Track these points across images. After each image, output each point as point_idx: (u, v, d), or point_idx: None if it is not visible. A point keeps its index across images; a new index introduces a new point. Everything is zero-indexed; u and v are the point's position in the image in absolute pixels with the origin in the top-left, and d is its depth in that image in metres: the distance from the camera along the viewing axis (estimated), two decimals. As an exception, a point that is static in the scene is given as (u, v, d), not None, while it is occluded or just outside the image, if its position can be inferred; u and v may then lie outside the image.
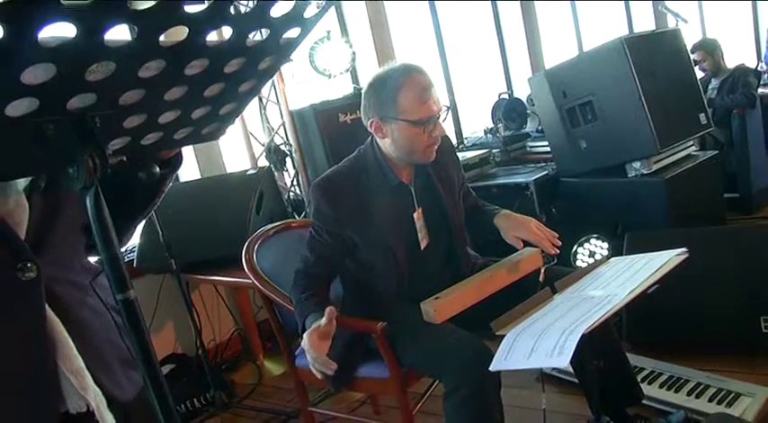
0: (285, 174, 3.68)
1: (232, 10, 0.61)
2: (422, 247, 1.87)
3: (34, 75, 0.53)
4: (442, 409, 1.60)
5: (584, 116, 3.25)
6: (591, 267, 1.73)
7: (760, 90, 4.51)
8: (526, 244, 1.83)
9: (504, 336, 1.38)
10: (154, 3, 0.53)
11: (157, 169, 0.82)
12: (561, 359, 1.22)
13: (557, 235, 1.82)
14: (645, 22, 6.67)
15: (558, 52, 5.42)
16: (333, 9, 4.02)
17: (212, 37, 0.63)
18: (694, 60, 4.05)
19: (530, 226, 1.81)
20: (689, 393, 2.08)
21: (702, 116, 3.33)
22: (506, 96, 4.74)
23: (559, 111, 3.33)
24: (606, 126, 3.15)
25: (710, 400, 2.02)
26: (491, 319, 1.47)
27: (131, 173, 0.84)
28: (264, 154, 3.62)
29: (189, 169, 3.32)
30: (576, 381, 2.10)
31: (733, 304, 2.34)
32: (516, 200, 3.40)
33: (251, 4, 0.96)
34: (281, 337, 2.05)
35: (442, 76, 4.80)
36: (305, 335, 1.59)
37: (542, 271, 1.80)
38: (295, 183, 3.69)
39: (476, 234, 2.28)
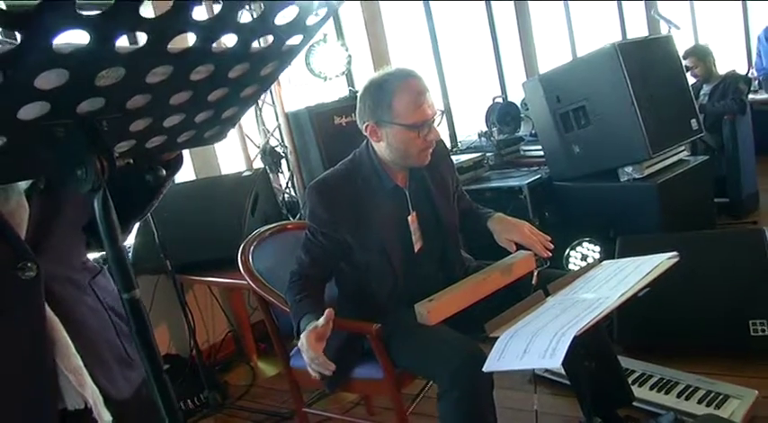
0: (280, 175, 3.70)
1: (239, 17, 0.62)
2: (416, 250, 1.88)
3: (47, 79, 0.55)
4: (435, 410, 1.60)
5: (577, 121, 3.27)
6: (583, 270, 1.75)
7: (750, 96, 4.56)
8: (519, 247, 1.84)
9: (497, 337, 1.39)
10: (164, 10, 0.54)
11: (164, 172, 0.83)
12: (554, 360, 1.23)
13: (549, 238, 1.84)
14: (638, 27, 6.72)
15: (552, 57, 5.46)
16: (329, 12, 4.03)
17: (217, 43, 0.65)
18: (686, 66, 4.07)
19: (523, 229, 1.83)
20: (679, 395, 2.10)
21: (694, 122, 3.37)
22: (500, 100, 4.77)
23: (553, 115, 3.36)
24: (599, 131, 3.18)
25: (700, 402, 2.05)
26: (484, 322, 1.49)
27: (131, 174, 0.86)
28: (260, 156, 3.63)
29: (184, 170, 3.29)
30: (567, 382, 2.12)
31: (722, 308, 2.37)
32: (510, 203, 3.42)
33: (256, 12, 0.98)
34: (276, 339, 2.05)
35: (436, 79, 4.83)
36: (302, 335, 1.60)
37: (535, 274, 1.82)
38: (290, 185, 3.70)
39: (469, 237, 2.30)
